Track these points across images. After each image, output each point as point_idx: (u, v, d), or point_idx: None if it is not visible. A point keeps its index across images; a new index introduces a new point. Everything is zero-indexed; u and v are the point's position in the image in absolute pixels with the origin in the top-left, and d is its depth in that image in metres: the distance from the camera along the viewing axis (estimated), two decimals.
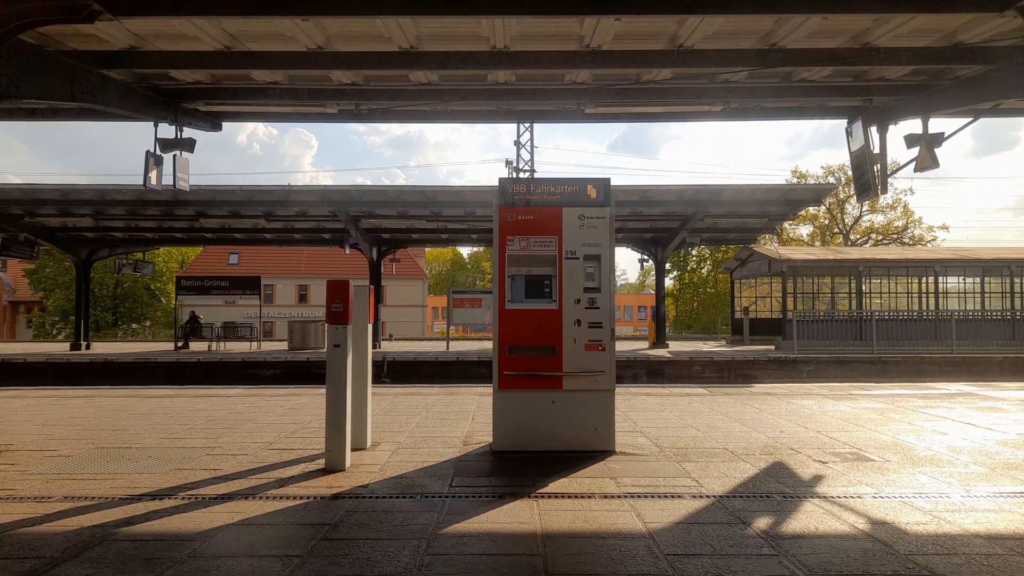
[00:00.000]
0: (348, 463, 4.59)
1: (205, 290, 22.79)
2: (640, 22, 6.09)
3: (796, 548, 3.07)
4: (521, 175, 33.67)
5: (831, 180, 40.69)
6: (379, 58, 6.76)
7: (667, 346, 21.17)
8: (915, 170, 7.79)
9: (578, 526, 3.40)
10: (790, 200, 18.28)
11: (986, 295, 19.87)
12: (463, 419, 6.61)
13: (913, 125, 7.85)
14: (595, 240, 5.11)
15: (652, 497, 3.89)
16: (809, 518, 3.50)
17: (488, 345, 19.92)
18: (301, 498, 3.89)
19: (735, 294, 24.58)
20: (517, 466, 4.65)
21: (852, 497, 3.87)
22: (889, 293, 20.55)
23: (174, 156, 8.21)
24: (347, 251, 21.32)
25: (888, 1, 5.53)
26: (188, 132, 8.30)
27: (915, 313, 19.11)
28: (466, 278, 75.96)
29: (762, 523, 3.43)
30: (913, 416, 6.75)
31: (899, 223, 41.76)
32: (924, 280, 19.87)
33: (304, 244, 24.11)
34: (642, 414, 6.86)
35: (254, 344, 22.22)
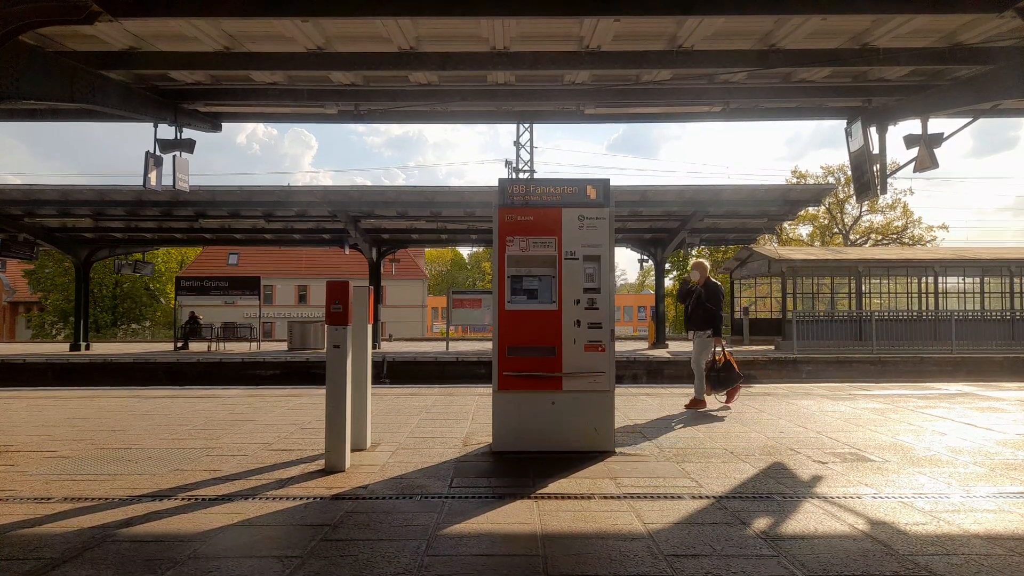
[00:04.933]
0: (348, 464, 4.59)
1: (205, 290, 22.78)
2: (639, 23, 6.09)
3: (795, 548, 3.08)
4: (521, 175, 33.68)
5: (831, 180, 40.69)
6: (379, 59, 6.75)
7: (667, 346, 21.17)
8: (914, 170, 7.80)
9: (578, 527, 3.40)
10: (789, 200, 18.28)
11: (986, 295, 19.88)
12: (463, 419, 6.61)
13: (912, 125, 7.86)
14: (595, 240, 5.12)
15: (652, 498, 3.89)
16: (808, 518, 3.50)
17: (488, 345, 19.92)
18: (301, 499, 3.90)
19: (735, 294, 24.58)
20: (517, 466, 4.65)
21: (851, 497, 3.87)
22: (889, 293, 20.56)
23: (174, 157, 8.20)
24: (347, 251, 21.33)
25: (887, 1, 5.53)
26: (188, 133, 8.29)
27: (915, 313, 19.13)
28: (466, 278, 75.96)
29: (761, 523, 3.43)
30: (913, 416, 6.75)
31: (899, 223, 41.78)
32: (924, 280, 19.89)
33: (304, 244, 24.11)
34: (642, 414, 6.86)
35: (254, 344, 22.21)
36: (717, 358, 7.27)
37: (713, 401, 7.52)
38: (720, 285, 7.57)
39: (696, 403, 7.33)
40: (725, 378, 7.26)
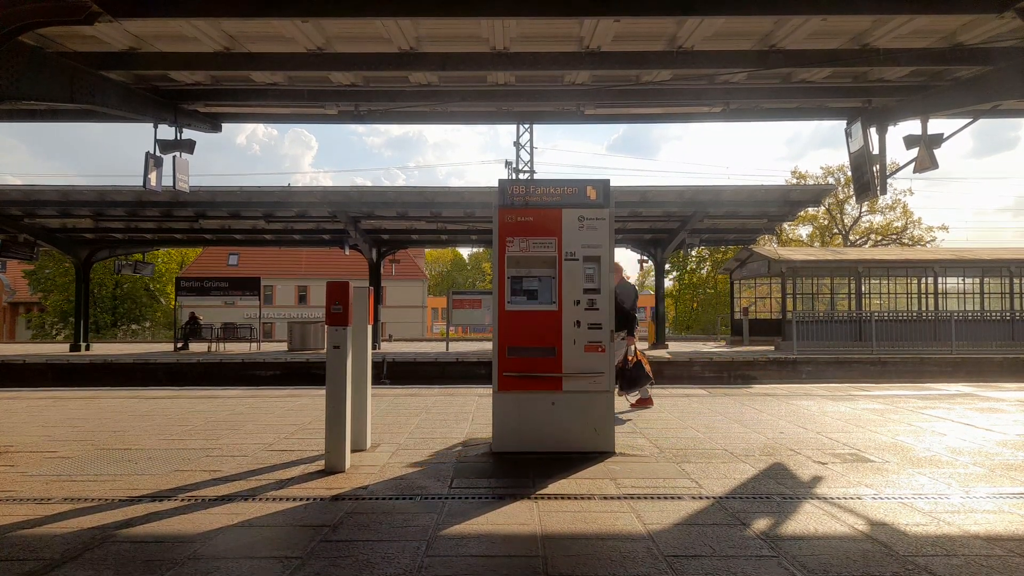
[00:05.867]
0: (348, 464, 4.59)
1: (205, 291, 22.79)
2: (639, 23, 6.10)
3: (796, 549, 3.08)
4: (521, 176, 33.68)
5: (830, 181, 40.70)
6: (379, 59, 6.76)
7: (666, 347, 21.19)
8: (914, 171, 7.80)
9: (578, 527, 3.40)
10: (789, 201, 18.30)
11: (985, 295, 19.87)
12: (463, 420, 6.61)
13: (912, 126, 7.86)
14: (595, 241, 5.11)
15: (652, 498, 3.89)
16: (809, 519, 3.50)
17: (487, 346, 19.92)
18: (301, 499, 3.90)
19: (734, 295, 24.58)
20: (517, 467, 4.65)
21: (852, 498, 3.87)
22: (888, 294, 20.55)
23: (174, 157, 8.21)
24: (347, 252, 21.33)
25: (888, 2, 5.54)
26: (188, 133, 8.31)
27: (914, 314, 19.13)
28: (466, 279, 75.96)
29: (762, 524, 3.43)
30: (912, 417, 6.75)
31: (898, 223, 41.79)
32: (923, 281, 19.88)
33: (304, 245, 24.12)
34: (641, 415, 6.86)
35: (254, 345, 22.22)
36: (629, 358, 7.15)
37: (621, 401, 7.36)
38: (634, 286, 7.47)
39: (642, 401, 7.33)
40: (633, 378, 7.13)
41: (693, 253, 38.99)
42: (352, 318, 4.72)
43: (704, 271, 45.77)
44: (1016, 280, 19.41)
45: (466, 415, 6.91)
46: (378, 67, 6.85)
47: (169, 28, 6.12)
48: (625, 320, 7.21)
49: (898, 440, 5.55)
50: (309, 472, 4.53)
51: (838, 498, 3.88)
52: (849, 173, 14.00)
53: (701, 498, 3.90)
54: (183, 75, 7.28)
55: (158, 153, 8.11)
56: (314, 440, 5.57)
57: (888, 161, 8.06)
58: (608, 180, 5.27)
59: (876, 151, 7.94)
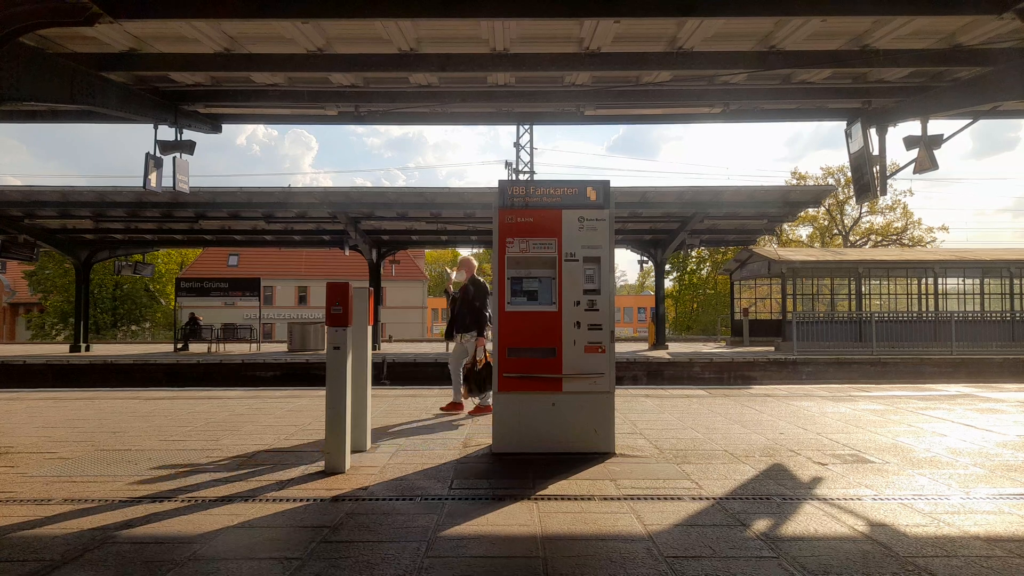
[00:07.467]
0: (348, 465, 4.59)
1: (205, 292, 22.79)
2: (639, 24, 6.10)
3: (796, 550, 3.08)
4: (521, 177, 33.69)
5: (830, 181, 40.72)
6: (379, 60, 6.76)
7: (667, 347, 21.18)
8: (914, 172, 7.80)
9: (578, 528, 3.40)
10: (789, 201, 18.30)
11: (985, 296, 19.88)
12: (463, 421, 6.60)
13: (912, 127, 7.86)
14: (595, 242, 5.12)
15: (652, 499, 3.89)
16: (809, 520, 3.50)
17: (487, 347, 19.89)
18: (301, 500, 3.90)
19: (735, 295, 24.60)
20: (517, 468, 4.65)
21: (852, 499, 3.87)
22: (888, 294, 20.56)
23: (174, 158, 8.21)
24: (347, 252, 21.34)
25: (887, 3, 5.54)
26: (188, 134, 8.30)
27: (914, 314, 19.13)
28: None
29: (762, 525, 3.43)
30: (912, 418, 6.75)
31: (898, 224, 41.80)
32: (923, 281, 19.89)
33: (304, 246, 24.13)
34: (642, 416, 6.86)
35: (254, 346, 22.21)
36: (478, 359, 6.68)
37: (469, 404, 7.04)
38: (486, 284, 6.93)
39: (453, 406, 7.02)
40: (485, 381, 6.65)
41: (693, 254, 38.97)
42: (352, 319, 4.72)
43: (704, 272, 45.78)
44: (1016, 280, 19.41)
45: (466, 415, 6.90)
46: (378, 68, 6.85)
47: (169, 29, 6.12)
48: (476, 320, 6.81)
49: (898, 441, 5.55)
50: (309, 473, 4.53)
51: (838, 499, 3.88)
52: (849, 174, 13.99)
53: (701, 499, 3.90)
54: (183, 76, 7.28)
55: (158, 154, 8.10)
56: (314, 441, 5.57)
57: (888, 162, 8.05)
58: (608, 181, 5.28)
59: (876, 152, 7.93)
